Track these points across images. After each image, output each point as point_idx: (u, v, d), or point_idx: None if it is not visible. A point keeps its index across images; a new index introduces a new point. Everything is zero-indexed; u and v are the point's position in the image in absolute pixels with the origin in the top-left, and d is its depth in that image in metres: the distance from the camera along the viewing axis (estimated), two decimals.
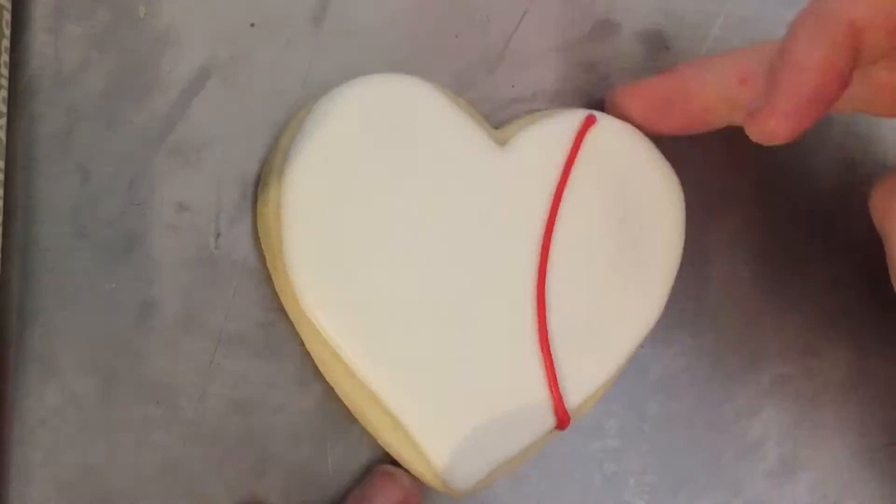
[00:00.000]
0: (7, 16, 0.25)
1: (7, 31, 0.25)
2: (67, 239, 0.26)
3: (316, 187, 0.25)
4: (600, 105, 0.30)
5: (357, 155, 0.26)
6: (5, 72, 0.25)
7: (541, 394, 0.26)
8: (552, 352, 0.26)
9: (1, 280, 0.25)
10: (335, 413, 0.27)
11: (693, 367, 0.30)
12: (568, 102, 0.30)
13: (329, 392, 0.27)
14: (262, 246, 0.27)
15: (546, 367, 0.26)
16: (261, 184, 0.27)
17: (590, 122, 0.27)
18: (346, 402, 0.26)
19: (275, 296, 0.27)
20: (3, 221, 0.24)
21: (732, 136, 0.31)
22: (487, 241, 0.27)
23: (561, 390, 0.26)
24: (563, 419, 0.26)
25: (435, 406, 0.26)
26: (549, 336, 0.27)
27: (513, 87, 0.29)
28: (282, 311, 0.27)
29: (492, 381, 0.26)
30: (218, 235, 0.27)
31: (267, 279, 0.27)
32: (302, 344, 0.27)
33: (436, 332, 0.26)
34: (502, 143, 0.27)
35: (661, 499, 0.30)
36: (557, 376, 0.26)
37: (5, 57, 0.25)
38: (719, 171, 0.31)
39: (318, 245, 0.25)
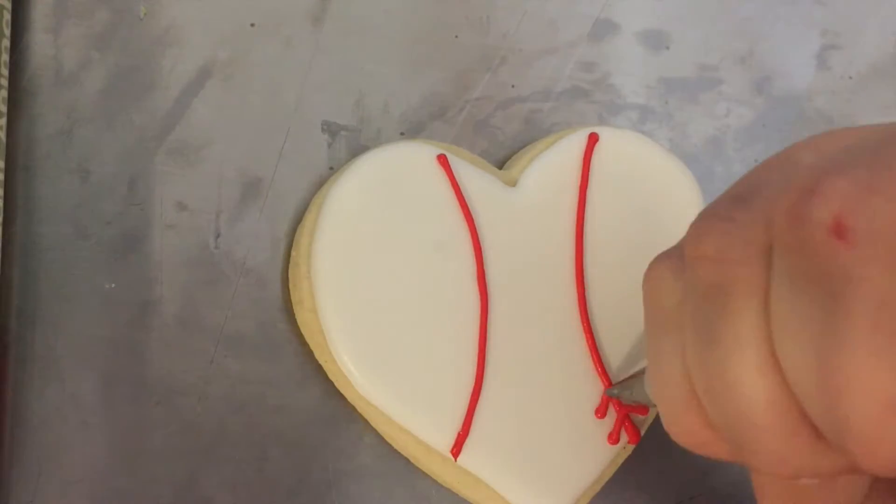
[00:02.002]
0: (7, 16, 0.25)
1: (7, 31, 0.25)
2: (67, 239, 0.26)
3: (346, 271, 0.25)
4: (599, 103, 0.30)
5: (380, 229, 0.26)
6: (5, 72, 0.25)
7: (609, 415, 0.26)
8: (610, 373, 0.27)
9: (1, 280, 0.25)
10: (334, 413, 0.27)
11: None
12: (568, 102, 0.30)
13: (329, 392, 0.27)
14: (308, 340, 0.26)
15: (605, 387, 0.26)
16: (291, 280, 0.26)
17: (593, 140, 0.27)
18: (422, 468, 0.27)
19: (284, 300, 0.27)
20: (3, 221, 0.24)
21: (729, 139, 0.31)
22: (524, 282, 0.27)
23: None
24: (634, 435, 0.26)
25: (512, 456, 0.26)
26: (604, 359, 0.27)
27: (513, 87, 0.29)
28: (282, 311, 0.27)
29: (561, 417, 0.26)
30: (218, 235, 0.27)
31: (266, 279, 0.27)
32: (303, 344, 0.27)
33: (498, 382, 0.26)
34: (512, 182, 0.27)
35: (661, 498, 0.30)
36: None
37: (5, 57, 0.25)
38: (718, 172, 0.31)
39: (360, 333, 0.25)
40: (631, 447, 0.27)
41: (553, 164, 0.27)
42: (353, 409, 0.26)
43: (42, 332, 0.25)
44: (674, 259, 0.17)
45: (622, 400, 0.26)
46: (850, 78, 0.31)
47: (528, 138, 0.29)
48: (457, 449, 0.25)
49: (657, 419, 0.28)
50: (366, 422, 0.27)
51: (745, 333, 0.14)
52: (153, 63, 0.26)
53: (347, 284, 0.25)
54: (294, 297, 0.26)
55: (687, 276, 0.16)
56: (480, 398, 0.25)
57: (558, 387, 0.26)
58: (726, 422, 0.15)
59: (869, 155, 0.13)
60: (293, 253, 0.26)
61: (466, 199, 0.26)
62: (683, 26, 0.31)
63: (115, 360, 0.26)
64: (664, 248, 0.27)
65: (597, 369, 0.26)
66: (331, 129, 0.28)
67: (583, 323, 0.26)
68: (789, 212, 0.14)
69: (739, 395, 0.14)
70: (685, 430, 0.17)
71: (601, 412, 0.26)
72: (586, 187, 0.27)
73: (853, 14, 0.32)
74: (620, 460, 0.27)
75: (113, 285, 0.26)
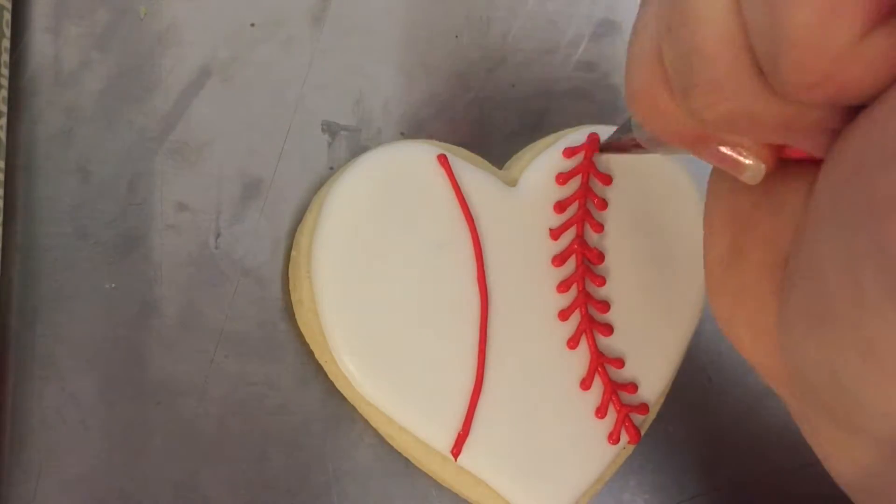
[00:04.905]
0: (7, 16, 0.25)
1: (7, 31, 0.25)
2: (67, 239, 0.26)
3: (346, 271, 0.25)
4: (599, 103, 0.30)
5: (381, 229, 0.26)
6: (5, 72, 0.25)
7: (609, 415, 0.26)
8: (611, 373, 0.26)
9: (1, 280, 0.25)
10: (335, 413, 0.27)
11: (694, 366, 0.30)
12: (568, 102, 0.30)
13: (329, 392, 0.27)
14: (308, 340, 0.26)
15: (605, 387, 0.26)
16: (291, 280, 0.27)
17: (593, 140, 0.27)
18: (422, 468, 0.27)
19: (284, 300, 0.27)
20: (3, 221, 0.24)
21: None
22: (524, 282, 0.26)
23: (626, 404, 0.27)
24: (634, 435, 0.26)
25: (512, 456, 0.26)
26: (605, 358, 0.27)
27: (513, 86, 0.29)
28: (282, 311, 0.27)
29: (561, 417, 0.26)
30: (218, 235, 0.27)
31: (266, 279, 0.27)
32: (303, 344, 0.27)
33: (499, 382, 0.26)
34: (512, 182, 0.27)
35: (661, 498, 0.30)
36: (619, 393, 0.26)
37: (5, 57, 0.25)
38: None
39: (361, 333, 0.25)
40: (631, 447, 0.27)
41: (553, 164, 0.27)
42: (353, 409, 0.26)
43: (42, 332, 0.25)
44: None
45: (618, 142, 0.24)
46: None
47: (528, 138, 0.29)
48: (457, 449, 0.25)
49: (657, 419, 0.28)
50: (366, 422, 0.27)
51: None
52: (153, 63, 0.26)
53: (347, 284, 0.25)
54: (294, 297, 0.26)
55: None
56: (480, 398, 0.26)
57: (559, 387, 0.26)
58: (677, 56, 0.15)
59: None
60: (293, 253, 0.26)
61: (466, 199, 0.26)
62: None
63: (115, 360, 0.26)
64: (664, 248, 0.28)
65: (598, 369, 0.26)
66: (331, 129, 0.28)
67: (583, 322, 0.27)
68: None
69: (695, 23, 0.15)
70: (642, 86, 0.17)
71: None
72: (587, 189, 0.27)
73: None
74: (620, 460, 0.27)
75: (113, 285, 0.26)
